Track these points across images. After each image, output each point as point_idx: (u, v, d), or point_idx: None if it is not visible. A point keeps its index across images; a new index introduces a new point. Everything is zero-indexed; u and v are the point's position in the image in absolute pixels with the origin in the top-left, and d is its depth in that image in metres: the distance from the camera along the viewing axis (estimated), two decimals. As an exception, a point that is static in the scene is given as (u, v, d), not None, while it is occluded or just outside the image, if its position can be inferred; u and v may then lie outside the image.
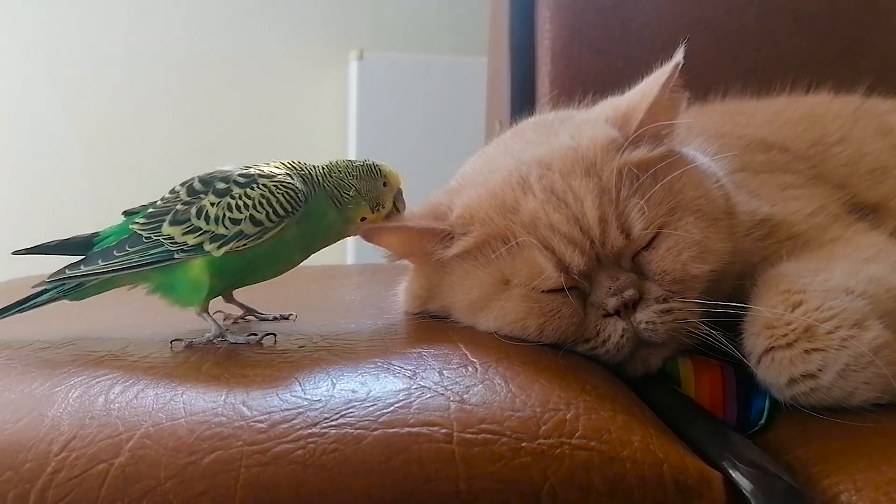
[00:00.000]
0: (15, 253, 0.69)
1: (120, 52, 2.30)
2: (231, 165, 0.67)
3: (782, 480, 0.51)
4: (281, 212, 0.64)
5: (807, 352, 0.60)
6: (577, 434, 0.50)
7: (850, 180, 0.85)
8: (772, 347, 0.62)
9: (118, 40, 2.31)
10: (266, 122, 2.38)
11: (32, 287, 0.68)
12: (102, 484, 0.45)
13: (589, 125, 0.72)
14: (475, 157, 0.80)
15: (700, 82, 1.10)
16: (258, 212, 0.63)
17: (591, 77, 1.16)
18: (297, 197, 0.64)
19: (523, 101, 1.21)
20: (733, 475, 0.51)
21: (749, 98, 1.02)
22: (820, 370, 0.60)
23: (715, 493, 0.49)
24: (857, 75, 1.13)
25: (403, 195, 0.71)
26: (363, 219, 0.69)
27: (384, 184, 0.69)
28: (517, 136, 0.79)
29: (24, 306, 0.67)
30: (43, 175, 2.30)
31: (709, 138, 0.82)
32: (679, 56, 0.70)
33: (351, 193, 0.67)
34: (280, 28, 2.38)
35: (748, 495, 0.50)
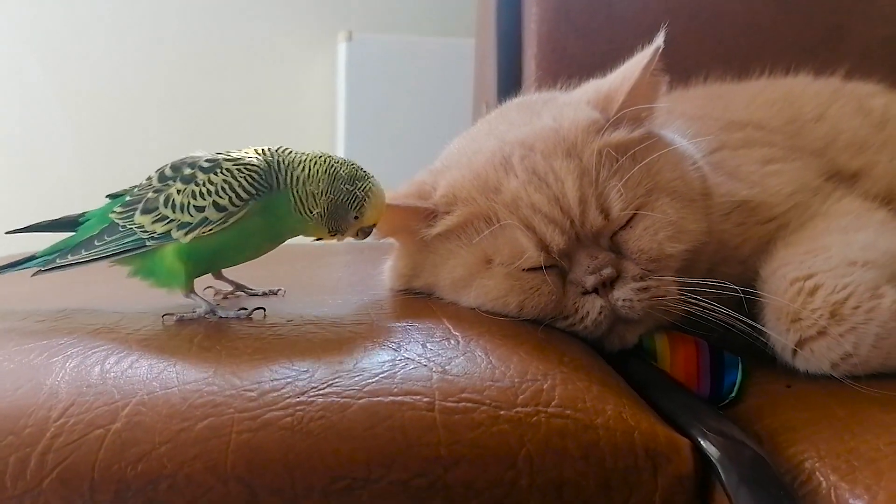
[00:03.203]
0: (9, 233, 0.72)
1: (108, 33, 2.30)
2: (202, 151, 0.68)
3: (749, 448, 0.53)
4: (244, 195, 0.64)
5: (840, 335, 0.62)
6: (553, 403, 0.52)
7: (827, 151, 0.87)
8: (804, 339, 0.64)
9: (107, 21, 2.30)
10: (255, 104, 2.37)
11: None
12: (100, 448, 0.47)
13: (571, 107, 0.73)
14: (460, 138, 0.81)
15: (684, 66, 1.12)
16: (221, 197, 0.63)
17: (577, 60, 1.17)
18: (261, 179, 0.64)
19: (510, 84, 1.22)
20: (702, 443, 0.53)
21: (730, 81, 1.03)
22: (856, 348, 0.62)
23: (683, 459, 0.51)
24: (838, 59, 1.15)
25: (375, 226, 0.69)
26: (318, 238, 0.69)
27: (355, 217, 0.66)
28: (501, 116, 0.80)
29: (14, 268, 0.70)
30: (31, 154, 2.30)
31: (688, 120, 0.84)
32: (659, 40, 0.71)
33: (314, 213, 0.66)
34: (269, 9, 2.37)
35: (715, 462, 0.52)
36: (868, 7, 1.23)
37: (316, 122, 2.36)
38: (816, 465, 0.53)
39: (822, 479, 0.51)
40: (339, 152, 2.26)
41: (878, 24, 1.23)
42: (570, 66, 1.17)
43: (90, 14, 2.30)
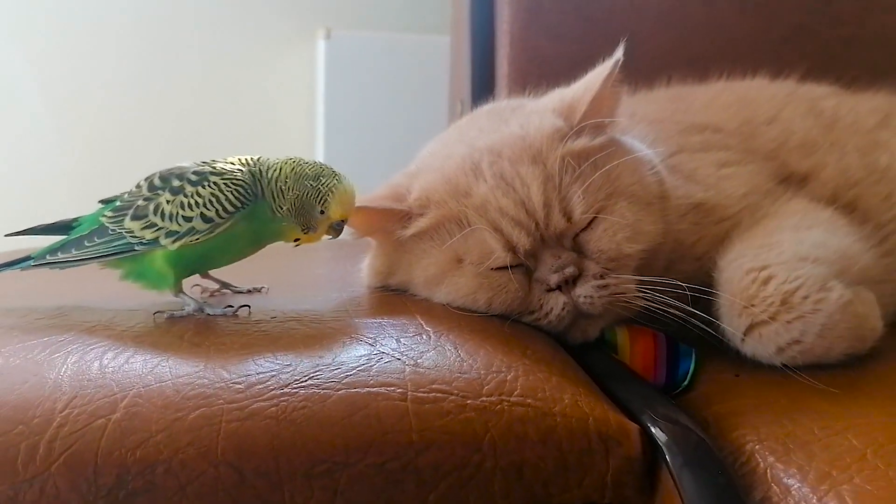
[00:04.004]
0: (8, 235, 0.76)
1: (89, 26, 2.30)
2: (189, 162, 0.71)
3: (695, 434, 0.58)
4: (230, 208, 0.68)
5: (788, 322, 0.66)
6: (515, 393, 0.57)
7: (779, 153, 0.90)
8: (754, 324, 0.68)
9: (89, 12, 2.31)
10: (234, 102, 2.38)
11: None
12: (102, 436, 0.51)
13: (537, 115, 0.78)
14: (433, 142, 0.85)
15: (651, 67, 1.16)
16: (208, 209, 0.67)
17: (548, 60, 1.21)
18: (246, 192, 0.68)
19: (483, 83, 1.25)
20: (651, 429, 0.58)
21: (692, 83, 1.07)
22: (802, 335, 0.66)
23: (632, 443, 0.56)
24: (799, 59, 1.20)
25: (346, 224, 0.73)
26: (297, 239, 0.72)
27: (321, 212, 0.70)
28: (472, 123, 0.85)
29: (10, 267, 0.74)
30: (14, 148, 2.31)
31: (650, 124, 0.89)
32: (619, 53, 0.76)
33: (284, 209, 0.69)
34: (247, 7, 2.38)
35: (663, 446, 0.57)
36: (828, 7, 1.26)
37: (295, 119, 2.37)
38: (756, 447, 0.57)
39: (760, 460, 0.56)
40: (319, 149, 2.27)
41: (838, 24, 1.26)
42: (541, 66, 1.21)
43: (73, 15, 2.30)
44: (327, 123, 2.26)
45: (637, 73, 1.06)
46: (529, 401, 0.57)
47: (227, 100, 2.38)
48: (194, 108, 2.35)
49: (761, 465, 0.56)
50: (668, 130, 0.89)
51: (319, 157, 2.27)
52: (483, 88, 1.25)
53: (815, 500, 0.51)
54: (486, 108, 0.89)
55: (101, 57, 2.32)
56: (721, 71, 1.07)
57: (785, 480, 0.54)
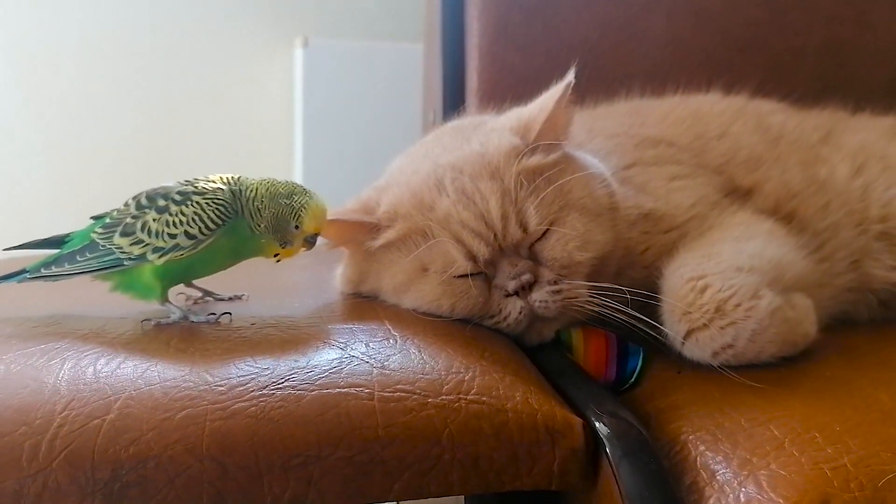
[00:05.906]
0: (6, 250, 0.81)
1: (71, 35, 2.32)
2: (173, 182, 0.76)
3: (635, 428, 0.64)
4: (212, 225, 0.73)
5: (722, 328, 0.72)
6: (472, 392, 0.63)
7: (727, 168, 0.96)
8: (692, 329, 0.73)
9: (69, 24, 2.33)
10: (214, 110, 2.40)
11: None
12: (98, 435, 0.57)
13: (496, 133, 0.83)
14: (401, 158, 0.91)
15: (613, 77, 1.23)
16: (191, 227, 0.72)
17: (516, 72, 1.26)
18: (227, 210, 0.73)
19: (455, 94, 1.30)
20: (595, 423, 0.64)
21: (648, 96, 1.13)
22: (734, 339, 0.72)
23: (575, 435, 0.62)
24: (753, 70, 1.26)
25: (318, 237, 0.78)
26: (276, 254, 0.77)
27: (296, 227, 0.75)
28: (437, 140, 0.90)
29: (7, 280, 0.79)
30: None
31: (607, 138, 0.95)
32: (570, 77, 0.82)
33: (262, 227, 0.75)
34: (225, 16, 2.40)
35: (604, 439, 0.63)
36: (779, 19, 1.33)
37: (274, 126, 2.40)
38: (690, 437, 0.64)
39: (692, 448, 0.62)
40: (297, 156, 2.30)
41: (790, 35, 1.32)
42: (509, 77, 1.27)
43: (53, 16, 2.31)
44: (305, 130, 2.28)
45: (599, 83, 1.12)
46: (485, 398, 0.62)
47: (206, 107, 2.40)
48: (173, 117, 2.36)
49: (692, 453, 0.62)
50: (625, 144, 0.95)
51: (298, 163, 2.31)
52: (454, 99, 1.30)
53: (735, 484, 0.58)
54: (450, 126, 0.95)
55: (80, 66, 2.34)
56: (678, 82, 1.12)
57: (711, 467, 0.60)
